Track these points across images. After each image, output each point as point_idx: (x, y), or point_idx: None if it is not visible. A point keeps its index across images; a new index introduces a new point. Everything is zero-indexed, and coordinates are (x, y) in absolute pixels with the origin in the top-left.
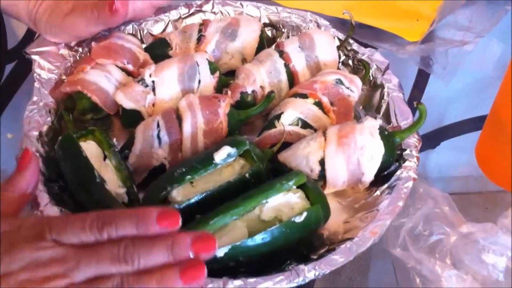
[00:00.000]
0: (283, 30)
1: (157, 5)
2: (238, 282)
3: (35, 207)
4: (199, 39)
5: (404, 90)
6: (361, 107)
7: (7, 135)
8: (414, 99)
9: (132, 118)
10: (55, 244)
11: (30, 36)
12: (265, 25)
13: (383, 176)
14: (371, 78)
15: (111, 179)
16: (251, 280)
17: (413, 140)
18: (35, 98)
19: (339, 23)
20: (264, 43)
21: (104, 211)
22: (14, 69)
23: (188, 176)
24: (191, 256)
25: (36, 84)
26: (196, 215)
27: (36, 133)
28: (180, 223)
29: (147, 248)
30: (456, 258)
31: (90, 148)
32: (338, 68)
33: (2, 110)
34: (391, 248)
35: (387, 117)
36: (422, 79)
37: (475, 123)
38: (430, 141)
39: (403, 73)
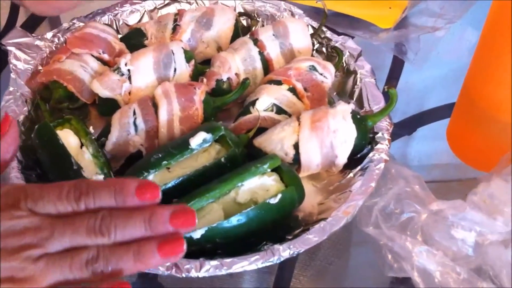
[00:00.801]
0: (258, 19)
1: None
2: (214, 262)
3: None
4: (175, 29)
5: (379, 79)
6: (335, 93)
7: None
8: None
9: (109, 107)
10: (30, 213)
11: (7, 31)
12: (240, 14)
13: (356, 159)
14: (344, 65)
15: (88, 166)
16: (227, 260)
17: (384, 124)
18: (11, 89)
19: (313, 12)
20: (239, 32)
21: (82, 180)
22: None
23: (165, 162)
24: (170, 230)
25: (12, 75)
26: (173, 200)
27: None
28: (160, 196)
29: (124, 220)
30: (427, 234)
31: (66, 136)
32: (312, 55)
33: None
34: (364, 227)
35: (360, 102)
36: (397, 67)
37: (450, 109)
38: (406, 128)
39: (379, 63)
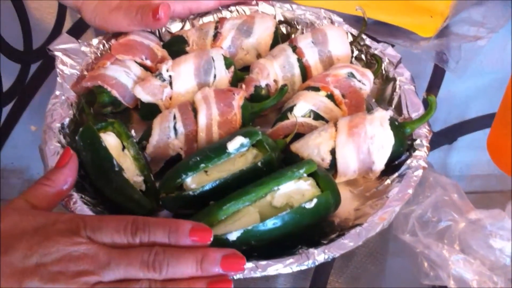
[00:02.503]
0: (297, 26)
1: (195, 11)
2: (249, 264)
3: None
4: (215, 36)
5: (420, 88)
6: (373, 100)
7: (31, 127)
8: None
9: (150, 111)
10: (89, 241)
11: (54, 37)
12: (280, 22)
13: (394, 165)
14: (384, 72)
15: (129, 168)
16: (262, 262)
17: (423, 131)
18: (57, 92)
19: (353, 20)
20: (278, 39)
21: (139, 216)
22: (39, 68)
23: (202, 165)
24: (220, 272)
25: (59, 79)
26: (210, 202)
27: (58, 124)
28: (212, 239)
29: (176, 258)
30: (464, 243)
31: (109, 139)
32: (351, 63)
33: (26, 105)
34: (400, 234)
35: (398, 109)
36: (437, 76)
37: (491, 119)
38: (447, 137)
39: (419, 72)
